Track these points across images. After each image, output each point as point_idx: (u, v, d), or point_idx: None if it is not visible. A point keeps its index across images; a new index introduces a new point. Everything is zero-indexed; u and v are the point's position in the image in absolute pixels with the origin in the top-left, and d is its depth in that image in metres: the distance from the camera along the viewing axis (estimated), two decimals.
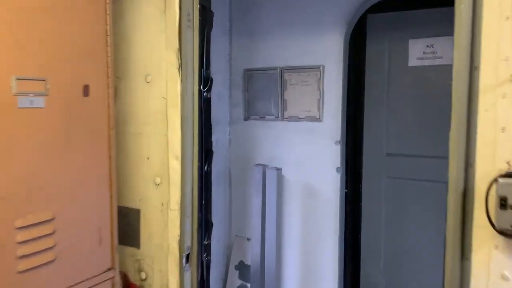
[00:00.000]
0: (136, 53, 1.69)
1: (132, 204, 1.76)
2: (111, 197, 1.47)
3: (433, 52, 2.93)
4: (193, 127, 1.62)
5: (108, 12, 1.41)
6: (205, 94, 3.01)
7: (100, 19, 1.39)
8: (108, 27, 1.42)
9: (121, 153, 1.76)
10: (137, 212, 1.75)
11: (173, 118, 1.60)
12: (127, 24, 1.70)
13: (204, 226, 3.15)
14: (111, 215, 1.46)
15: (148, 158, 1.68)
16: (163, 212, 1.67)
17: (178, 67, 1.56)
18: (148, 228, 1.72)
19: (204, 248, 3.17)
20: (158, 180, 1.66)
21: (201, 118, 3.05)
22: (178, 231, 1.62)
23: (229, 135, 3.35)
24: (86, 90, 1.33)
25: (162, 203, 1.67)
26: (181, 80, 1.57)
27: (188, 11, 1.59)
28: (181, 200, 1.62)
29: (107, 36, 1.42)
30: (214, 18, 3.08)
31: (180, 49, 1.57)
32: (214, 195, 3.16)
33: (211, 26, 3.02)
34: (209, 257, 3.22)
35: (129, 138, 1.72)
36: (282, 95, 3.11)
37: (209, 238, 3.19)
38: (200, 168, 3.11)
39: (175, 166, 1.61)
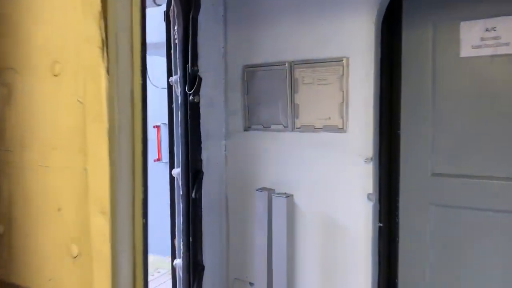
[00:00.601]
0: (39, 29, 0.96)
1: (38, 285, 1.02)
2: None
3: (495, 38, 2.18)
4: (133, 157, 0.89)
5: None
6: (191, 98, 2.31)
7: None
8: None
9: (18, 199, 1.03)
10: None
11: (95, 141, 0.86)
12: None
13: (193, 269, 2.42)
14: None
15: (59, 210, 0.95)
16: None
17: (101, 45, 0.83)
18: None
19: None
20: (75, 250, 0.93)
21: (187, 130, 2.35)
22: None
23: (225, 151, 2.65)
24: None
25: None
26: (108, 71, 0.83)
27: None
28: (112, 287, 0.88)
29: None
30: (204, 1, 2.38)
31: (104, 14, 0.83)
32: (206, 229, 2.49)
33: (198, 7, 2.32)
34: None
35: (29, 174, 0.99)
36: (292, 98, 2.39)
37: (199, 285, 2.47)
38: (187, 194, 2.39)
39: (101, 226, 0.88)
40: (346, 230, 2.30)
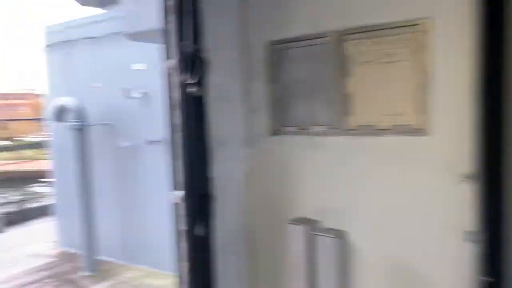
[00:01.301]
0: None
1: None
2: None
3: None
4: None
5: None
6: (193, 89, 1.60)
7: None
8: None
9: None
10: None
11: None
12: None
13: None
14: None
15: None
16: None
17: None
18: None
19: None
20: None
21: (189, 135, 1.65)
22: None
23: (246, 164, 2.00)
24: None
25: None
26: None
27: None
28: None
29: None
30: None
31: None
32: (221, 276, 1.83)
33: None
34: None
35: None
36: (343, 85, 1.71)
37: None
38: (191, 230, 1.67)
39: None
40: (431, 286, 1.52)
